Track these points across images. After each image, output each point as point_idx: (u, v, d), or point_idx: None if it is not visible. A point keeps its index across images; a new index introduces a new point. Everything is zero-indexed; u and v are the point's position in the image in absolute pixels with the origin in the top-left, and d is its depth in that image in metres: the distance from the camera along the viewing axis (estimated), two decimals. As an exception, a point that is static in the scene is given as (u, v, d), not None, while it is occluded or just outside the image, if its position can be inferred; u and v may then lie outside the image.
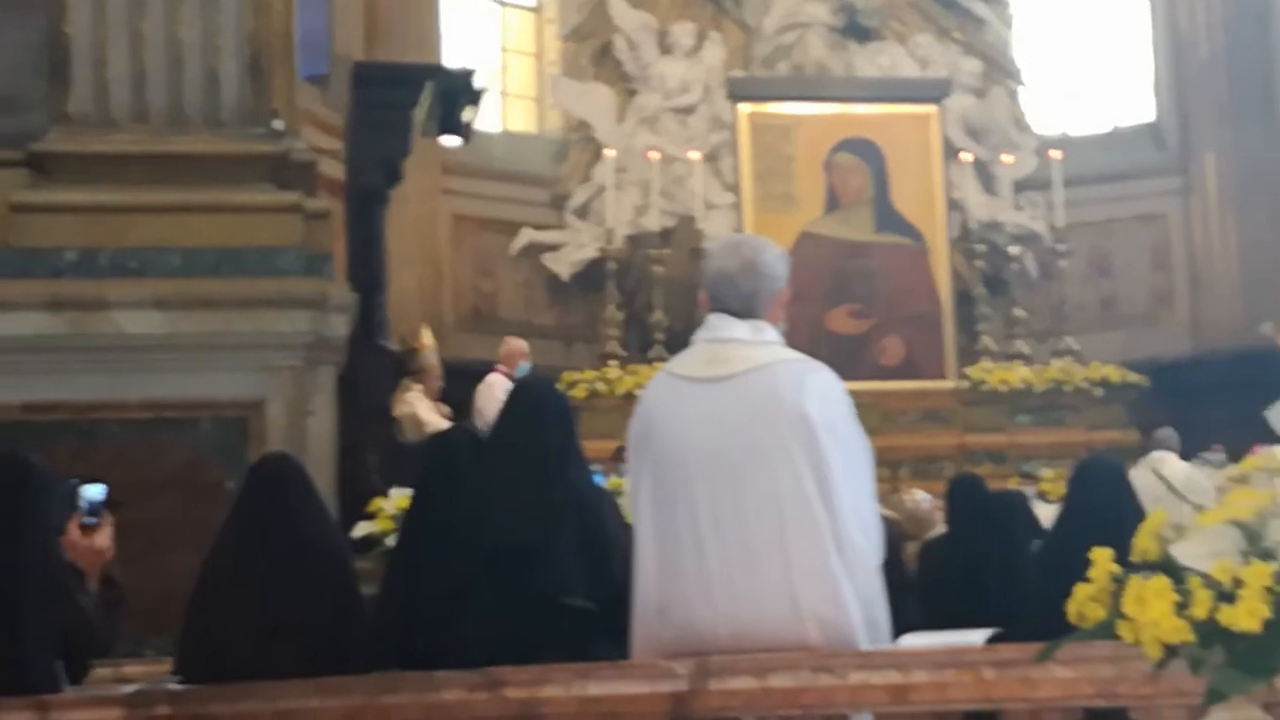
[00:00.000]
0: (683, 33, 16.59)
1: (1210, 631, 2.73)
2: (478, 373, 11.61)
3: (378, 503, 7.10)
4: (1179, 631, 2.75)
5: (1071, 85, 17.87)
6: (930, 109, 15.88)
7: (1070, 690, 2.96)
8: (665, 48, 16.64)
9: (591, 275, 15.75)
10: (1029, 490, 10.70)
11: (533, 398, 4.24)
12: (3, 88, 7.01)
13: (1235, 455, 4.46)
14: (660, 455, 3.55)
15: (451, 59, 14.58)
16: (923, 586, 6.11)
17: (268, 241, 6.85)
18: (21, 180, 6.88)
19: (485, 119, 16.46)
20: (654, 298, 15.23)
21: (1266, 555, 2.75)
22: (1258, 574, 2.70)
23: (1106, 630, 2.87)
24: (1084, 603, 2.97)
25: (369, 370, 8.36)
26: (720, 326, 3.61)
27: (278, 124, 7.06)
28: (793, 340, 14.12)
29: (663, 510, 3.53)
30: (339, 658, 4.05)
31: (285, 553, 4.33)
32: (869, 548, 3.57)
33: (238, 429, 6.67)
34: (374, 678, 3.50)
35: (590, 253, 15.83)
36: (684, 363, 3.65)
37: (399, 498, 6.71)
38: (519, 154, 16.66)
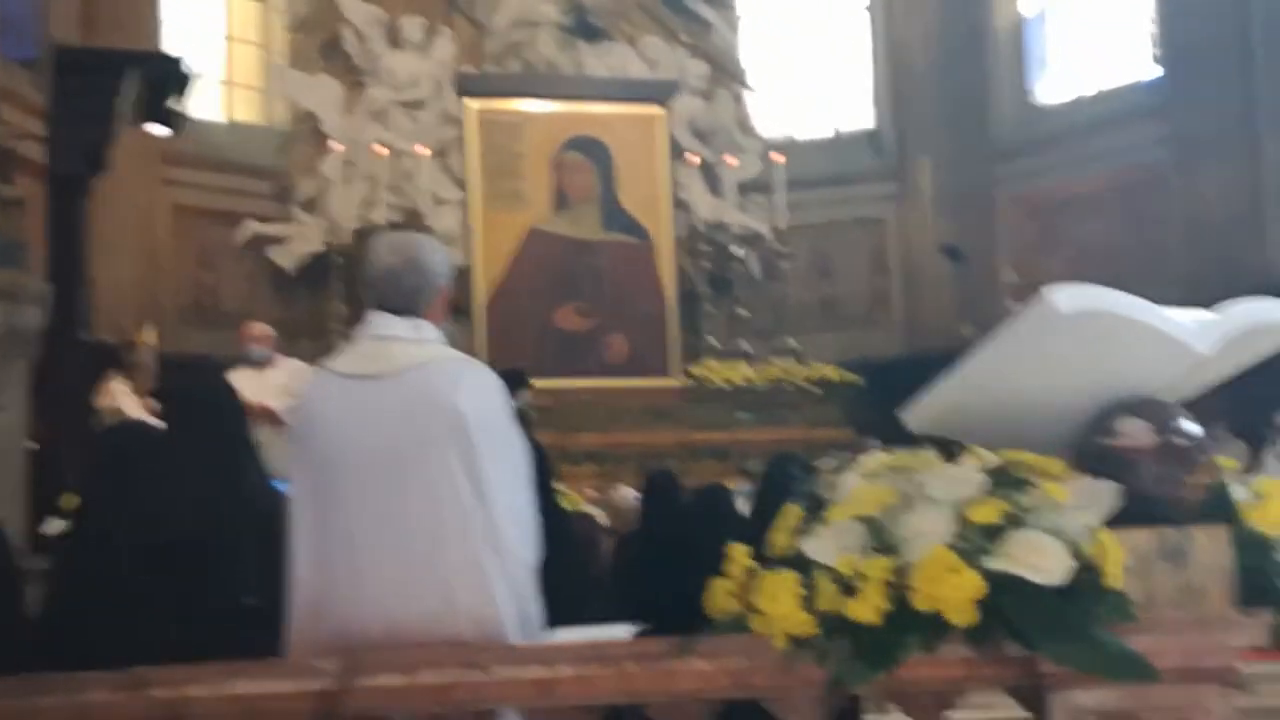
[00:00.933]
0: (412, 27, 16.47)
1: (834, 624, 2.83)
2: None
3: (69, 498, 6.90)
4: (804, 624, 2.84)
5: (795, 91, 18.28)
6: (657, 110, 16.07)
7: (709, 682, 3.03)
8: (395, 41, 16.50)
9: (316, 269, 15.54)
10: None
11: (208, 395, 4.17)
12: None
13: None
14: (317, 452, 3.53)
15: (173, 47, 14.22)
16: (617, 581, 6.18)
17: (-44, 229, 6.61)
18: None
19: (208, 109, 16.17)
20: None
21: (890, 550, 2.86)
22: (877, 568, 2.81)
23: (741, 623, 2.96)
24: (720, 596, 3.05)
25: (68, 363, 8.13)
26: (380, 324, 3.60)
27: (-34, 107, 6.81)
28: (519, 337, 14.01)
29: (319, 508, 3.51)
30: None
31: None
32: (524, 545, 3.59)
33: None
34: (22, 680, 3.40)
35: (316, 246, 15.63)
36: (343, 360, 3.63)
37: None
38: (244, 145, 16.34)
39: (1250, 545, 2.98)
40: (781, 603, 2.85)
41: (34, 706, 3.26)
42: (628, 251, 15.85)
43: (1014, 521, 2.84)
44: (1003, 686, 3.03)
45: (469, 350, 15.04)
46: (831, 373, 15.65)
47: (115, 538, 4.11)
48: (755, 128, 17.46)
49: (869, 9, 18.35)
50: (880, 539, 2.88)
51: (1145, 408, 2.95)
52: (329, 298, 15.04)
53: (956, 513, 2.87)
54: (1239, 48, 15.23)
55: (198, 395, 4.19)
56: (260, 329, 10.86)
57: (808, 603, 2.85)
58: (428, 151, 15.66)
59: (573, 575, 5.07)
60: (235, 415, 4.12)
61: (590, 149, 15.88)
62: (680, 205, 16.24)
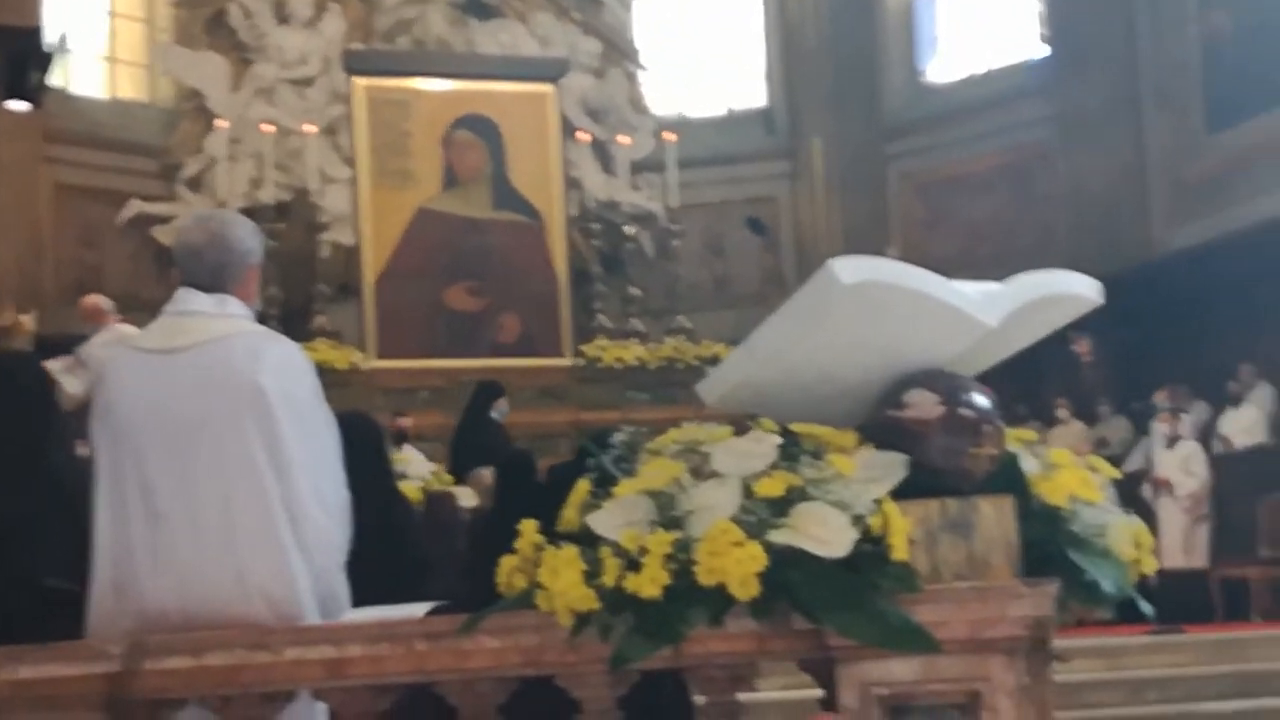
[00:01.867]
0: (301, 3, 16.33)
1: (617, 599, 2.80)
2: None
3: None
4: (587, 599, 2.81)
5: (688, 69, 18.27)
6: (548, 88, 16.01)
7: (500, 660, 2.99)
8: (282, 17, 16.35)
9: (202, 249, 15.32)
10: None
11: (11, 375, 4.09)
12: None
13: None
14: (116, 428, 3.46)
15: (54, 23, 13.98)
16: (469, 561, 6.13)
17: None
18: None
19: (92, 86, 15.93)
20: (267, 272, 14.91)
21: (675, 524, 2.83)
22: (660, 542, 2.78)
23: (528, 600, 2.93)
24: (510, 573, 3.02)
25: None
26: (185, 300, 3.55)
27: None
28: (409, 316, 13.87)
29: (118, 484, 3.45)
30: None
31: None
32: (331, 523, 3.55)
33: None
34: None
35: (201, 226, 15.41)
36: (146, 335, 3.58)
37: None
38: (128, 122, 16.13)
39: (1039, 516, 2.98)
40: (563, 578, 2.81)
41: None
42: (519, 230, 15.80)
43: (799, 494, 2.82)
44: (793, 660, 3.01)
45: (359, 330, 14.96)
46: (724, 351, 15.62)
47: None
48: (648, 106, 17.46)
49: (762, -12, 18.38)
50: (666, 513, 2.85)
51: (933, 380, 2.93)
52: (214, 277, 14.83)
53: (743, 486, 2.85)
54: (1124, 28, 15.39)
55: (8, 374, 4.10)
56: (91, 303, 10.22)
57: (592, 578, 2.82)
58: (315, 129, 15.50)
59: (406, 556, 5.02)
60: (38, 395, 4.04)
61: (480, 127, 15.80)
62: (572, 184, 16.20)
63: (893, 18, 17.54)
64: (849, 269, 2.80)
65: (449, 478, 9.97)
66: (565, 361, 15.51)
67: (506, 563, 3.02)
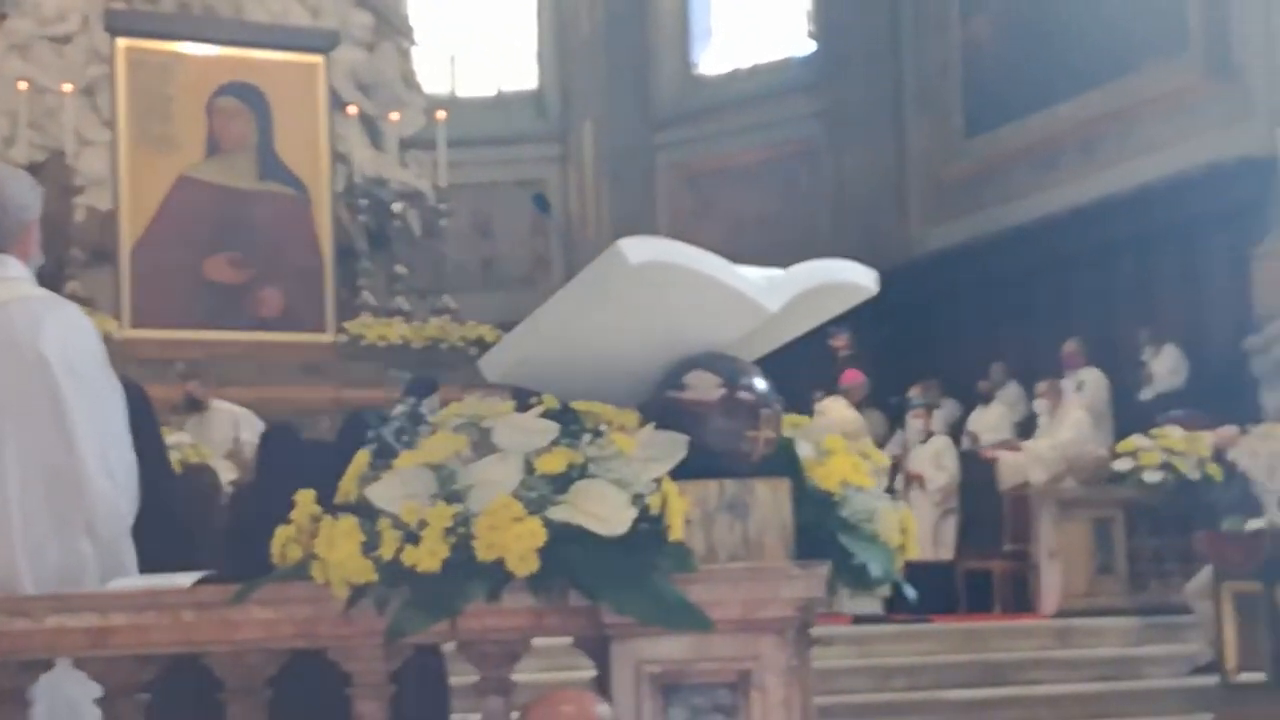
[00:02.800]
0: (61, -42, 15.75)
1: (395, 571, 2.79)
2: None
3: None
4: (364, 571, 2.79)
5: (460, 47, 18.18)
6: (317, 59, 15.71)
7: (271, 631, 2.96)
8: (40, -29, 15.75)
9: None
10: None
11: None
12: None
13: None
14: None
15: None
16: (230, 533, 6.01)
17: None
18: None
19: None
20: (17, 234, 14.40)
21: (456, 498, 2.83)
22: (439, 515, 2.77)
23: (302, 571, 2.89)
24: (284, 544, 2.98)
25: None
26: (-38, 264, 3.41)
27: None
28: (167, 286, 13.44)
29: None
30: None
31: None
32: (117, 492, 3.46)
33: None
34: None
35: (-52, 184, 14.79)
36: None
37: None
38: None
39: (812, 500, 3.05)
40: (340, 549, 2.79)
41: None
42: (284, 203, 15.48)
43: (580, 472, 2.84)
44: (568, 637, 3.03)
45: (115, 298, 14.54)
46: (488, 333, 15.58)
47: None
48: (419, 83, 17.29)
49: (536, -31, 18.38)
50: (447, 487, 2.85)
51: (714, 362, 2.98)
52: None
53: (524, 462, 2.85)
54: (888, 29, 15.78)
55: None
56: None
57: (369, 550, 2.80)
58: (73, 89, 14.98)
59: (175, 529, 4.90)
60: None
61: (247, 95, 15.43)
62: (340, 158, 15.93)
63: (667, 6, 17.70)
64: (637, 249, 2.83)
65: (208, 450, 9.77)
66: (328, 338, 15.28)
67: (281, 533, 2.98)
